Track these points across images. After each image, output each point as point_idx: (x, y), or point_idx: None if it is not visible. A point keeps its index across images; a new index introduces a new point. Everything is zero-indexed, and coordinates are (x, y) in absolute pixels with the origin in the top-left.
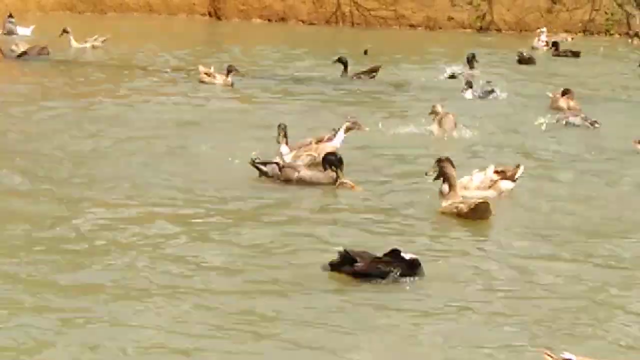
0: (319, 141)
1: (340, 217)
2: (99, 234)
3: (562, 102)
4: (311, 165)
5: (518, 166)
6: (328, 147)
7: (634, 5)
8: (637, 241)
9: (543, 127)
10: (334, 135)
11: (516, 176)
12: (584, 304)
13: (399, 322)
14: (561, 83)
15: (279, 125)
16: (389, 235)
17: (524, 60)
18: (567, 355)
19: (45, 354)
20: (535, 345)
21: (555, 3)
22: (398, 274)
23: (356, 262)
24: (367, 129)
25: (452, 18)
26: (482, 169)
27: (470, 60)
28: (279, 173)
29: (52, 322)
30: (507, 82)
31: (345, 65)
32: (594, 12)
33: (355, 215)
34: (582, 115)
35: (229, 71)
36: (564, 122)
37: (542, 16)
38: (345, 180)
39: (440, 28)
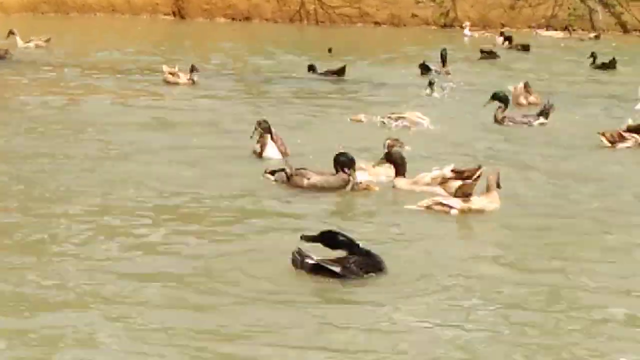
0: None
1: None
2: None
3: (522, 99)
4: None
5: (479, 167)
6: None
7: (597, 0)
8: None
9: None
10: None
11: (474, 177)
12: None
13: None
14: (519, 77)
15: (259, 122)
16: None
17: (486, 56)
18: None
19: None
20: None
21: None
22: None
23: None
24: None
25: (416, 15)
26: (444, 167)
27: (444, 57)
28: (287, 180)
29: None
30: (470, 78)
31: (314, 66)
32: (557, 8)
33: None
34: (522, 114)
35: (191, 70)
36: (510, 123)
37: (505, 12)
38: (359, 181)
39: (404, 25)
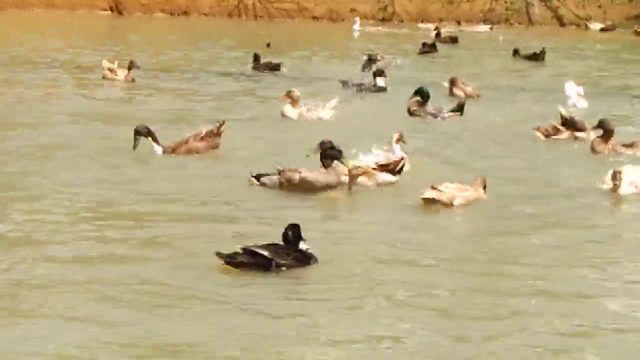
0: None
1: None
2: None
3: (459, 90)
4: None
5: (401, 159)
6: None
7: None
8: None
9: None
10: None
11: (397, 169)
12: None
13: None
14: (453, 70)
15: (135, 131)
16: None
17: (427, 49)
18: None
19: None
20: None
21: None
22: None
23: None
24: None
25: (355, 10)
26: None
27: (375, 59)
28: (279, 182)
29: None
30: (408, 71)
31: (258, 56)
32: (494, 2)
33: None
34: (435, 107)
35: (130, 67)
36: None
37: (443, 7)
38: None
39: (342, 20)
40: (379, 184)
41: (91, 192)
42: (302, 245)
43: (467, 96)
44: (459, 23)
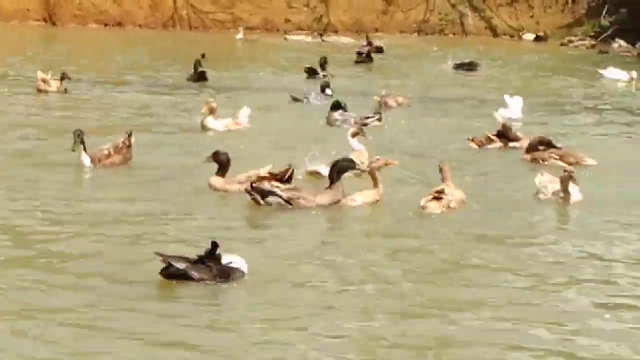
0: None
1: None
2: None
3: (391, 101)
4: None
5: (289, 167)
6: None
7: (467, 5)
8: None
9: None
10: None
11: (285, 177)
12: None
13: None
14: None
15: (75, 132)
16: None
17: (361, 59)
18: None
19: None
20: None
21: (390, 4)
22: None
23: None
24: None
25: (290, 20)
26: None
27: (323, 64)
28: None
29: None
30: (345, 80)
31: (197, 68)
32: (429, 13)
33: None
34: (354, 116)
35: (62, 78)
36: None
37: (377, 17)
38: (377, 158)
39: (277, 30)
40: None
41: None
42: (227, 260)
43: (399, 105)
44: (321, 35)
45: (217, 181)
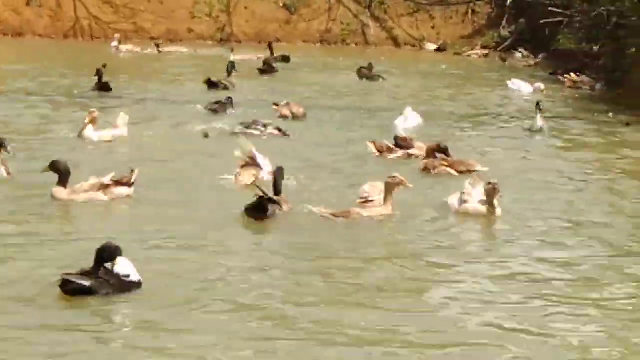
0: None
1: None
2: None
3: (286, 111)
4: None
5: (133, 171)
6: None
7: (368, 15)
8: None
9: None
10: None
11: (131, 181)
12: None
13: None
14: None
15: None
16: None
17: (265, 70)
18: None
19: None
20: None
21: (292, 14)
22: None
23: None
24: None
25: (192, 30)
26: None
27: (230, 70)
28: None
29: None
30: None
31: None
32: (331, 23)
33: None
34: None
35: None
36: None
37: (280, 27)
38: (395, 175)
39: (181, 40)
40: (114, 198)
41: None
42: (119, 270)
43: (295, 116)
44: (157, 46)
45: (60, 192)
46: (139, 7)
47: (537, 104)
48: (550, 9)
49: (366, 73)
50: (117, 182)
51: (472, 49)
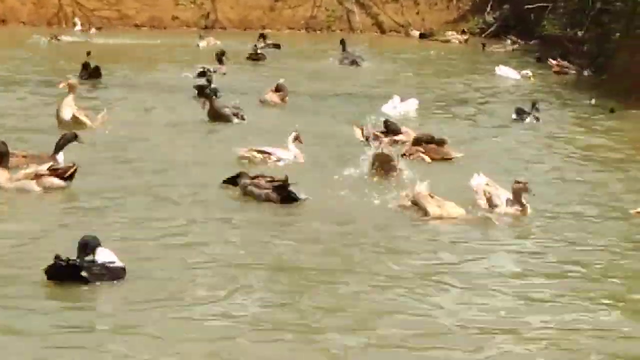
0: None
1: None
2: None
3: (271, 97)
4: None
5: (73, 165)
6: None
7: (353, 1)
8: None
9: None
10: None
11: (67, 175)
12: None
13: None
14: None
15: None
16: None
17: (254, 57)
18: None
19: None
20: None
21: (277, 1)
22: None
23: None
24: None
25: (177, 17)
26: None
27: (220, 58)
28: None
29: None
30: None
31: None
32: (316, 9)
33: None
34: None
35: None
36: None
37: (265, 14)
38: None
39: (165, 27)
40: (46, 188)
41: None
42: (104, 259)
43: (274, 103)
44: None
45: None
46: None
47: (534, 104)
48: None
49: (349, 60)
50: (53, 172)
51: (452, 34)
